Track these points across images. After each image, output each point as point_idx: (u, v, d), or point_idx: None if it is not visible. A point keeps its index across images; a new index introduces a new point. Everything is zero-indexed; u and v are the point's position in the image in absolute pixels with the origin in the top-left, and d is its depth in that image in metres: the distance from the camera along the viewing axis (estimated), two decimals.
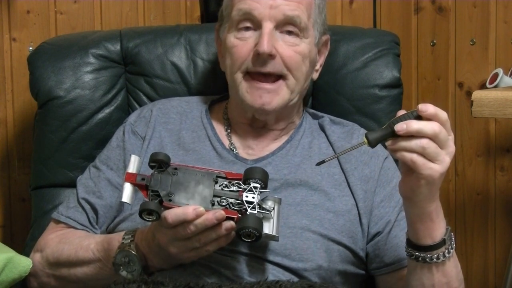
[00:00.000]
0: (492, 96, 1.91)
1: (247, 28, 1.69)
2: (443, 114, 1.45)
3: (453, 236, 1.56)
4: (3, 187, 2.27)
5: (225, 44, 1.72)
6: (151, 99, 1.96)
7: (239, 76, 1.71)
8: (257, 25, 1.68)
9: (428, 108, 1.44)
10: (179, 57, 1.99)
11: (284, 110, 1.74)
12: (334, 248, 1.66)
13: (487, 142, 2.48)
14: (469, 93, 2.44)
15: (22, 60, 2.13)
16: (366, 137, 1.46)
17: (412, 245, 1.55)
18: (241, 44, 1.69)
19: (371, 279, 1.75)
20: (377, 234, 1.71)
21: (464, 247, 2.49)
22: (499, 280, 2.49)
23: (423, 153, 1.43)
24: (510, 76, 2.31)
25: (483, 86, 2.41)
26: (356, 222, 1.70)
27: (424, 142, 1.43)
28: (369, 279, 1.75)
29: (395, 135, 1.44)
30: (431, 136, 1.43)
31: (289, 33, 1.69)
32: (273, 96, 1.70)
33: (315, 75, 1.80)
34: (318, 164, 1.51)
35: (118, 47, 1.99)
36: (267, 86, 1.69)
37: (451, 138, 1.46)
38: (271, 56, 1.66)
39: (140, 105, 1.95)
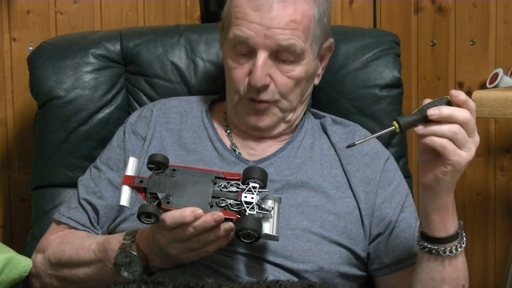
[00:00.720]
0: (492, 96, 1.91)
1: (243, 54, 1.69)
2: (472, 103, 1.48)
3: (464, 232, 1.57)
4: (3, 187, 2.27)
5: (225, 60, 1.74)
6: (151, 99, 1.96)
7: (235, 97, 1.73)
8: (252, 52, 1.67)
9: (460, 94, 1.47)
10: (179, 57, 1.99)
11: (280, 123, 1.75)
12: (335, 250, 1.66)
13: (487, 142, 2.48)
14: (469, 93, 2.43)
15: (22, 60, 2.13)
16: (397, 121, 1.48)
17: (426, 237, 1.56)
18: (238, 68, 1.70)
19: (371, 280, 1.75)
20: (378, 235, 1.71)
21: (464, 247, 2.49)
22: (499, 280, 2.49)
23: (453, 139, 1.46)
24: (510, 76, 2.31)
25: (483, 86, 2.42)
26: (357, 223, 1.70)
27: (455, 127, 1.46)
28: (369, 280, 1.75)
29: (425, 121, 1.47)
30: (462, 123, 1.46)
31: (284, 61, 1.68)
32: (265, 116, 1.71)
33: (317, 81, 1.80)
34: (348, 147, 1.53)
35: (118, 47, 1.99)
36: (259, 106, 1.71)
37: (476, 128, 1.49)
38: (264, 87, 1.67)
39: (140, 105, 1.95)
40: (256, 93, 1.69)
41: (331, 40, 1.78)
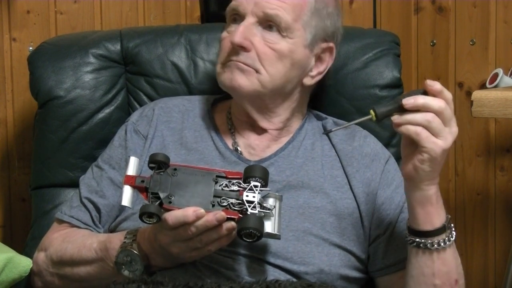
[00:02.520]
0: (492, 96, 1.91)
1: (234, 20, 1.71)
2: (448, 94, 1.52)
3: (453, 226, 1.58)
4: (3, 187, 2.27)
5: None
6: (152, 99, 1.96)
7: (219, 67, 1.73)
8: (241, 20, 1.70)
9: (435, 84, 1.51)
10: (179, 57, 1.99)
11: (260, 101, 1.73)
12: (335, 252, 1.66)
13: (487, 142, 2.48)
14: (469, 93, 2.44)
15: (22, 60, 2.13)
16: (374, 110, 1.52)
17: (413, 231, 1.57)
18: (227, 36, 1.72)
19: (371, 281, 1.75)
20: (378, 236, 1.71)
21: (464, 247, 2.49)
22: (499, 280, 2.49)
23: (427, 127, 1.49)
24: (510, 76, 2.31)
25: (483, 86, 2.41)
26: (358, 225, 1.70)
27: (429, 116, 1.49)
28: (369, 281, 1.75)
29: (401, 110, 1.51)
30: (437, 112, 1.49)
31: (270, 27, 1.69)
32: (242, 75, 1.69)
33: (308, 80, 1.78)
34: (325, 133, 1.60)
35: (118, 47, 1.99)
36: (238, 64, 1.70)
37: (454, 119, 1.51)
38: (244, 48, 1.68)
39: (141, 105, 1.95)
40: (236, 54, 1.69)
41: (332, 44, 1.77)
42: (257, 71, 1.70)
